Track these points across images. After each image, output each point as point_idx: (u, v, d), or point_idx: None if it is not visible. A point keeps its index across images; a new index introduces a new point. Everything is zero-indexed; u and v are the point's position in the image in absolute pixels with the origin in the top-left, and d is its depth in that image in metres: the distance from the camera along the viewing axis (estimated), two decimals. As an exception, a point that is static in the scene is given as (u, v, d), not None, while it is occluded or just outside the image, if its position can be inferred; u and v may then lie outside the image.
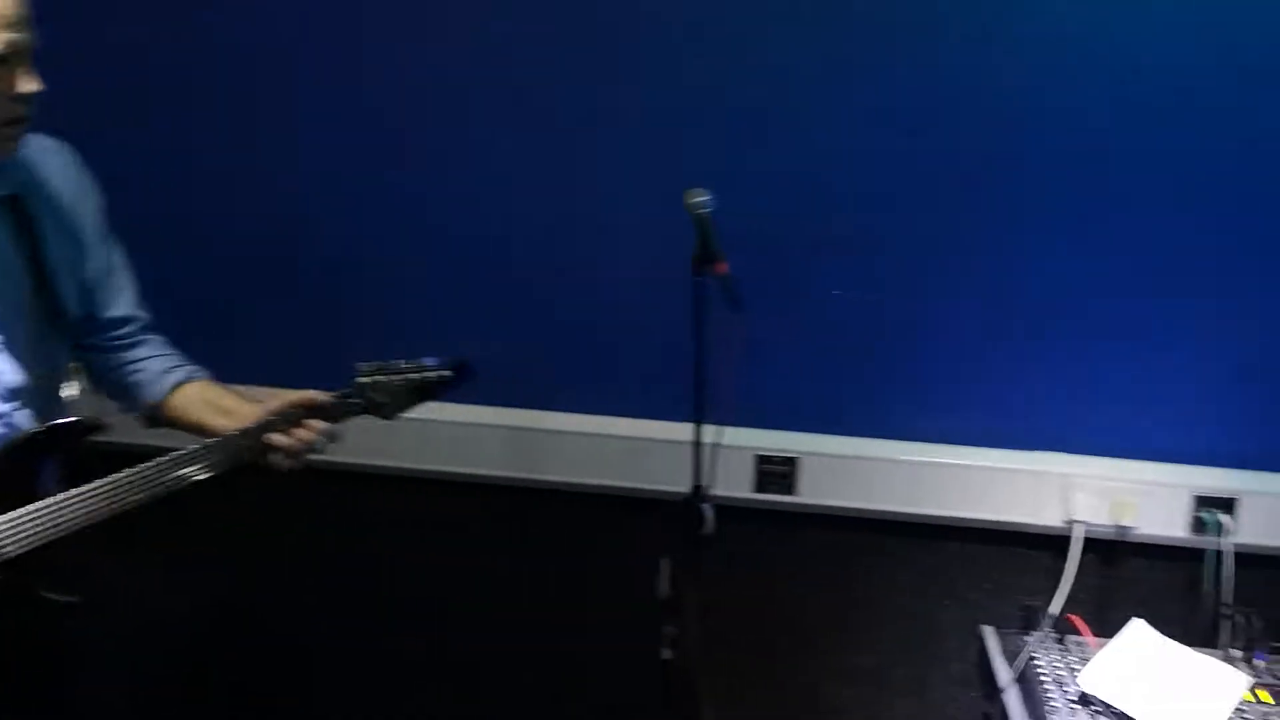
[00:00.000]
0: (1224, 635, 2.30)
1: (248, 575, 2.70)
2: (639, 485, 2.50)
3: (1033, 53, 2.24)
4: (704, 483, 1.99)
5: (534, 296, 2.48)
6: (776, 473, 2.48)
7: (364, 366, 1.84)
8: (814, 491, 2.49)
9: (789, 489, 2.49)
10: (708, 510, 1.99)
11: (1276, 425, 2.38)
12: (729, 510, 2.05)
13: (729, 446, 2.00)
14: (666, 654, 2.05)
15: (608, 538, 2.57)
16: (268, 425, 1.75)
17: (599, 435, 2.52)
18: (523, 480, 2.56)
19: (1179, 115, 2.23)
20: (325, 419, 1.79)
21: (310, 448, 1.78)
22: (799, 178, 2.34)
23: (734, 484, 2.43)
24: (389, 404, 1.84)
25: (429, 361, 1.85)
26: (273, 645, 2.73)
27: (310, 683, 2.75)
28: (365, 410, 1.84)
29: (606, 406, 2.53)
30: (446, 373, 1.85)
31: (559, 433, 2.53)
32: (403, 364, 1.84)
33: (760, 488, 2.49)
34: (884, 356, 2.44)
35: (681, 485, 2.02)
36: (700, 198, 1.86)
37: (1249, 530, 2.35)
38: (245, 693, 2.75)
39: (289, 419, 1.76)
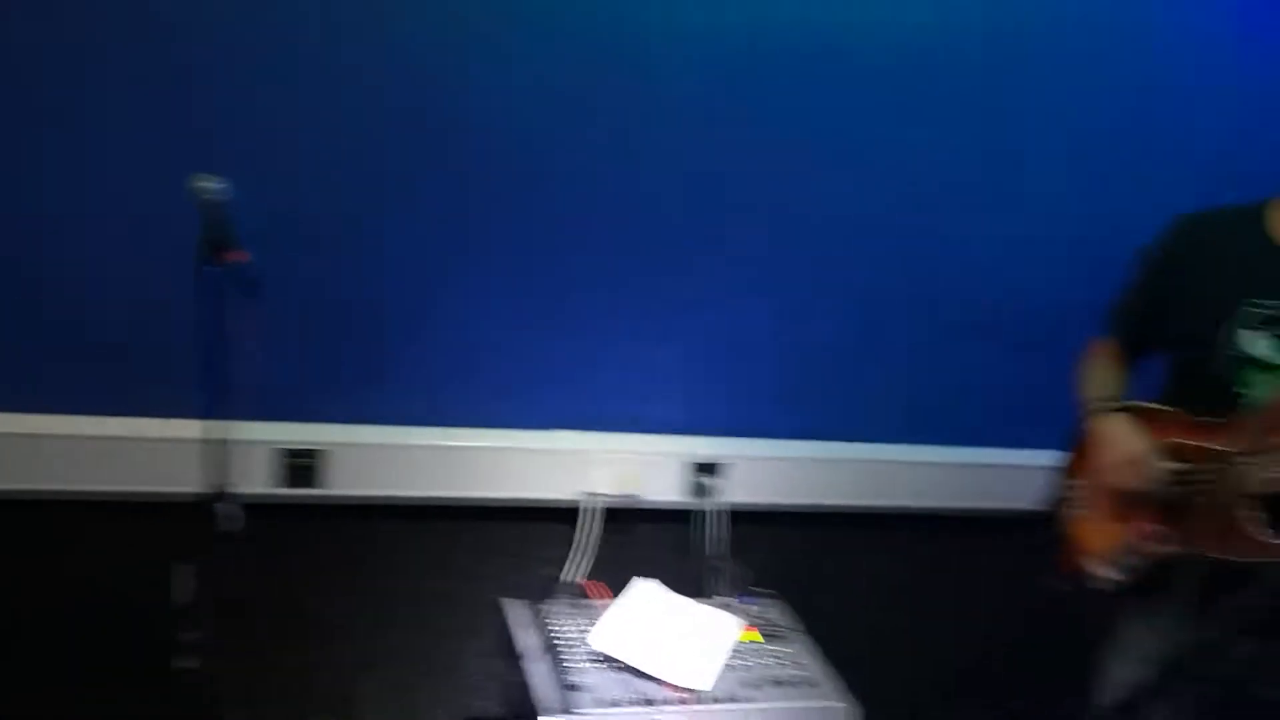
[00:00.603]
0: (717, 584, 2.57)
1: None
2: (148, 488, 2.34)
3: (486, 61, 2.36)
4: (223, 481, 1.90)
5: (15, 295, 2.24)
6: (301, 466, 2.43)
7: None
8: (341, 483, 2.46)
9: (315, 482, 2.45)
10: (232, 509, 1.91)
11: (758, 399, 2.70)
12: (253, 508, 1.99)
13: (248, 442, 1.93)
14: (186, 663, 1.94)
15: (115, 547, 2.39)
16: None
17: (100, 438, 2.33)
18: (9, 492, 2.30)
19: (646, 114, 2.45)
20: None
21: None
22: (312, 169, 2.31)
23: (256, 480, 2.35)
24: None
25: None
26: None
27: None
28: None
29: (105, 406, 2.34)
30: None
31: (51, 437, 2.30)
32: None
33: (284, 482, 2.43)
34: (405, 345, 2.47)
35: (196, 485, 1.92)
36: (209, 183, 1.77)
37: (738, 490, 2.65)
38: None
39: None
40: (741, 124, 2.51)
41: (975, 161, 2.69)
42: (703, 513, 2.62)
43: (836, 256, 2.64)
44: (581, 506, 2.56)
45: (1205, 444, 1.97)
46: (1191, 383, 2.04)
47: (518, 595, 2.46)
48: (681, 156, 2.49)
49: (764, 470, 2.67)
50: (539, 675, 2.07)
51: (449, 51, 2.30)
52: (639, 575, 2.44)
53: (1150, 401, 2.14)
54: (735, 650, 2.23)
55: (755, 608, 2.43)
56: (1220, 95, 2.72)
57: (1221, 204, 2.10)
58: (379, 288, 2.40)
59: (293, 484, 2.44)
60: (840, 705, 2.10)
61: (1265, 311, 1.95)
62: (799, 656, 2.24)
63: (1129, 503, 2.05)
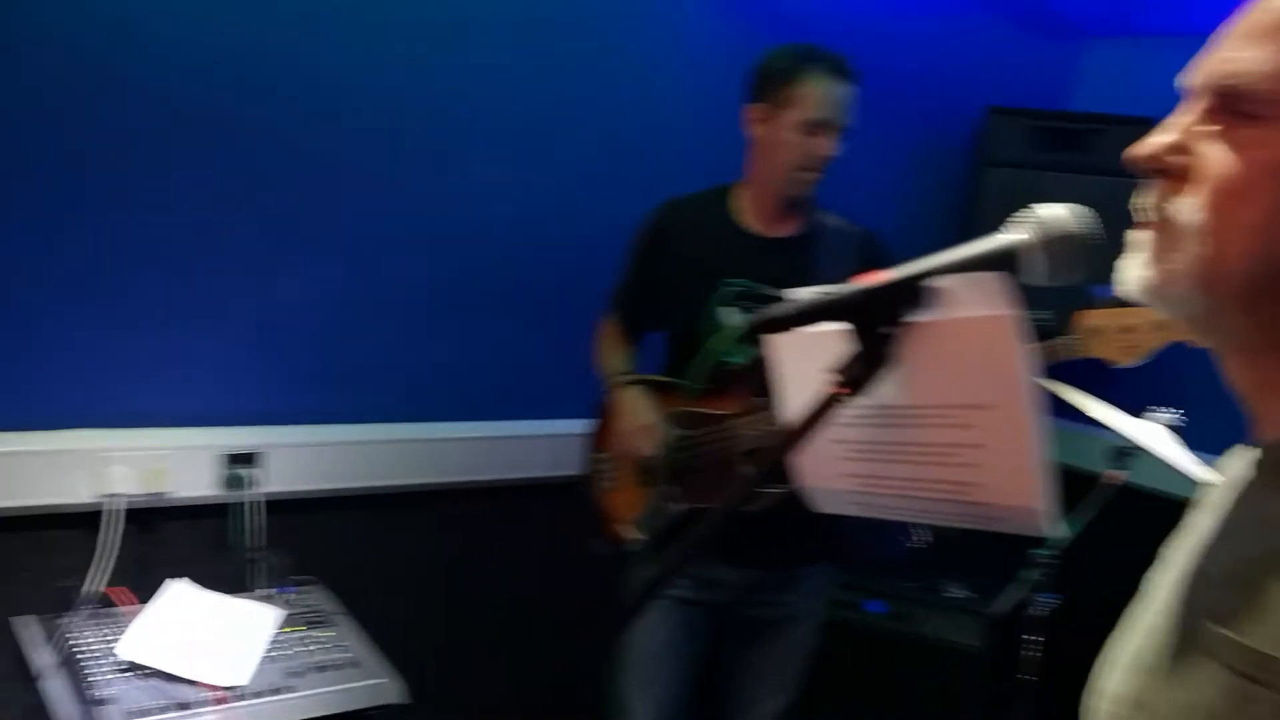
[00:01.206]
0: (256, 578, 2.52)
1: None
2: None
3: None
4: None
5: None
6: None
7: None
8: None
9: None
10: None
11: (291, 383, 2.66)
12: None
13: None
14: None
15: None
16: None
17: None
18: None
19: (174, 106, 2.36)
20: None
21: None
22: None
23: None
24: None
25: None
26: None
27: None
28: None
29: None
30: None
31: None
32: None
33: None
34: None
35: None
36: None
37: (275, 479, 2.60)
38: None
39: None
40: (271, 104, 2.47)
41: (504, 149, 2.81)
42: (239, 505, 2.55)
43: (368, 238, 2.66)
44: (104, 509, 2.40)
45: (705, 410, 2.23)
46: (685, 355, 2.29)
47: (34, 611, 2.28)
48: (205, 134, 2.39)
49: (302, 456, 2.64)
50: (57, 693, 1.95)
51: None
52: (171, 576, 2.35)
53: (656, 374, 2.38)
54: (275, 641, 2.22)
55: (295, 596, 2.42)
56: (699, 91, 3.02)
57: (698, 189, 2.37)
58: None
59: None
60: (383, 681, 2.16)
61: (736, 289, 2.24)
62: (341, 639, 2.27)
63: (646, 470, 2.28)
